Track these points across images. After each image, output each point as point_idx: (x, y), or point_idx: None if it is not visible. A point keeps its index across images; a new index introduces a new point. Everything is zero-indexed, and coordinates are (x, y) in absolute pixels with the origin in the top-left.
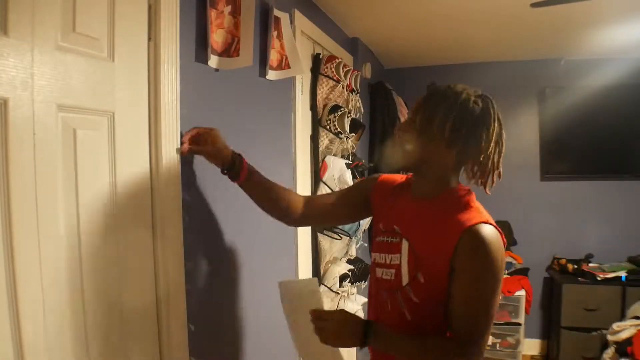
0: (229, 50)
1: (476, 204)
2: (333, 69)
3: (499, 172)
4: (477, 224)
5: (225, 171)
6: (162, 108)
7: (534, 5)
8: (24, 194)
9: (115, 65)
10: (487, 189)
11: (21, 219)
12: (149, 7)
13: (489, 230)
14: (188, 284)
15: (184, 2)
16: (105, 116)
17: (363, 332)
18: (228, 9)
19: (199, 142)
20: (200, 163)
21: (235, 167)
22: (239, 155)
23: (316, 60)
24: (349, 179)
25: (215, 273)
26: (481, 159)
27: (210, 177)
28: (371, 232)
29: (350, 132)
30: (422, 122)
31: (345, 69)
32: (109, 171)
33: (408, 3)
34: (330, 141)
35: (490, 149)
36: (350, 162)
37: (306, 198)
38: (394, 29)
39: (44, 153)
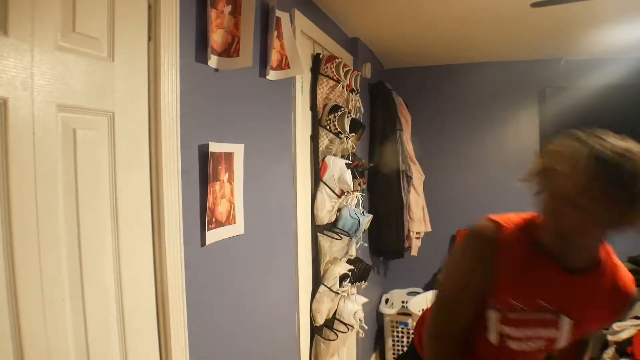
0: (229, 50)
1: (616, 259)
2: (333, 69)
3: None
4: (634, 287)
5: None
6: (162, 108)
7: (534, 5)
8: (23, 194)
9: (115, 65)
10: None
11: (21, 219)
12: (149, 7)
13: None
14: (188, 284)
15: (184, 2)
16: (105, 116)
17: None
18: (228, 8)
19: None
20: (199, 161)
21: None
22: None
23: (316, 60)
24: (349, 179)
25: (215, 272)
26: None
27: (209, 177)
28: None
29: (350, 132)
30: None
31: (345, 69)
32: (108, 171)
33: (408, 3)
34: (330, 141)
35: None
36: (350, 162)
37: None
38: (394, 29)
39: (43, 153)
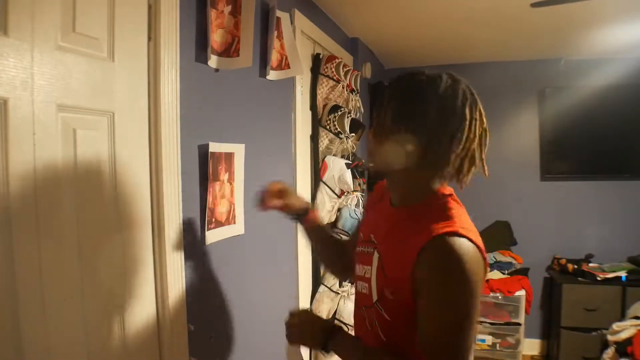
0: (229, 50)
1: (454, 210)
2: (333, 69)
3: (481, 163)
4: (444, 233)
5: (296, 216)
6: (162, 108)
7: (534, 5)
8: (23, 194)
9: (115, 65)
10: (461, 185)
11: (21, 219)
12: (149, 7)
13: (457, 242)
14: (188, 284)
15: (184, 2)
16: (105, 116)
17: (324, 335)
18: (228, 8)
19: (275, 197)
20: (199, 161)
21: (307, 212)
22: (311, 209)
23: (316, 60)
24: (349, 179)
25: (215, 272)
26: (459, 152)
27: (209, 177)
28: None
29: (350, 132)
30: (392, 122)
31: (345, 69)
32: (108, 171)
33: (408, 3)
34: (330, 141)
35: (466, 138)
36: (350, 162)
37: (347, 243)
38: (394, 29)
39: (44, 153)
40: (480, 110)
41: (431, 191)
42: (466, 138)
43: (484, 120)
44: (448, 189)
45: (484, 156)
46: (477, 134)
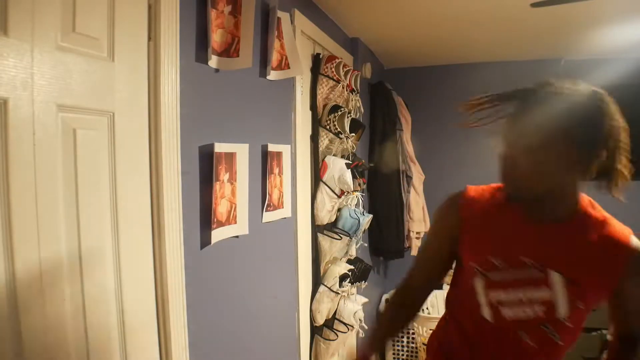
0: (229, 50)
1: (606, 214)
2: (333, 69)
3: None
4: (633, 244)
5: None
6: (162, 108)
7: (534, 5)
8: (23, 194)
9: (115, 65)
10: (619, 196)
11: (21, 219)
12: (149, 7)
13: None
14: (188, 284)
15: (184, 2)
16: (105, 116)
17: None
18: (228, 8)
19: None
20: (199, 161)
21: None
22: None
23: (316, 60)
24: (349, 179)
25: (215, 272)
26: (607, 160)
27: (210, 176)
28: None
29: (350, 132)
30: (548, 140)
31: (345, 69)
32: (108, 171)
33: (408, 3)
34: (330, 141)
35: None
36: (350, 162)
37: (417, 292)
38: (394, 29)
39: (44, 153)
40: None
41: (581, 201)
42: (618, 142)
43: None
44: (585, 197)
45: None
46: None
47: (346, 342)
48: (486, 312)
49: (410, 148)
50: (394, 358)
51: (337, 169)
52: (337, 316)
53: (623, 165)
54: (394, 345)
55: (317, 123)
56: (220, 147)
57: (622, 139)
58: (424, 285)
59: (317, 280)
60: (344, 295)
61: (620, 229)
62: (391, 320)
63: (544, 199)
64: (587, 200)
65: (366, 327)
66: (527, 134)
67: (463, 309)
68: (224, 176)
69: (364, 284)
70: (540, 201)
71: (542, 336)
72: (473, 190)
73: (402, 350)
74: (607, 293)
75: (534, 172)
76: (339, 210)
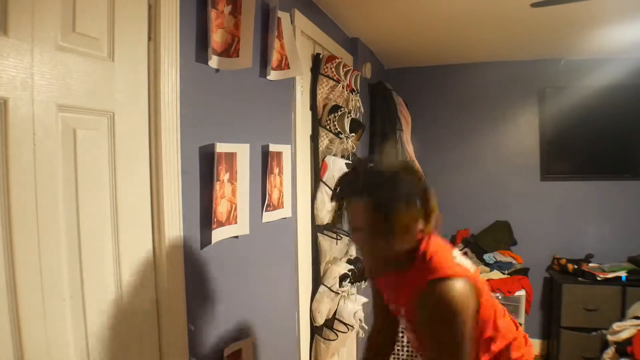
0: (229, 50)
1: (435, 258)
2: (333, 69)
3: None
4: (430, 281)
5: None
6: (162, 108)
7: (534, 5)
8: (24, 194)
9: (115, 65)
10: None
11: (21, 219)
12: (149, 7)
13: (435, 287)
14: (188, 284)
15: (184, 2)
16: (105, 116)
17: None
18: (228, 8)
19: None
20: (199, 161)
21: None
22: None
23: (316, 60)
24: None
25: (215, 272)
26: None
27: (210, 176)
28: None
29: (350, 132)
30: (375, 227)
31: (345, 69)
32: (108, 171)
33: (408, 3)
34: (330, 141)
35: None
36: (350, 162)
37: (378, 330)
38: (394, 29)
39: (44, 153)
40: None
41: (418, 254)
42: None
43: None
44: (423, 243)
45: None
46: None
47: (346, 342)
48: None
49: (410, 148)
50: (394, 358)
51: (337, 169)
52: (337, 316)
53: (426, 213)
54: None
55: (317, 123)
56: (221, 147)
57: (419, 195)
58: None
59: (317, 280)
60: (344, 295)
61: (431, 271)
62: None
63: (386, 262)
64: (428, 252)
65: (366, 327)
66: (354, 222)
67: None
68: (224, 176)
69: (364, 284)
70: (386, 265)
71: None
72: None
73: (402, 350)
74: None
75: (367, 250)
76: None
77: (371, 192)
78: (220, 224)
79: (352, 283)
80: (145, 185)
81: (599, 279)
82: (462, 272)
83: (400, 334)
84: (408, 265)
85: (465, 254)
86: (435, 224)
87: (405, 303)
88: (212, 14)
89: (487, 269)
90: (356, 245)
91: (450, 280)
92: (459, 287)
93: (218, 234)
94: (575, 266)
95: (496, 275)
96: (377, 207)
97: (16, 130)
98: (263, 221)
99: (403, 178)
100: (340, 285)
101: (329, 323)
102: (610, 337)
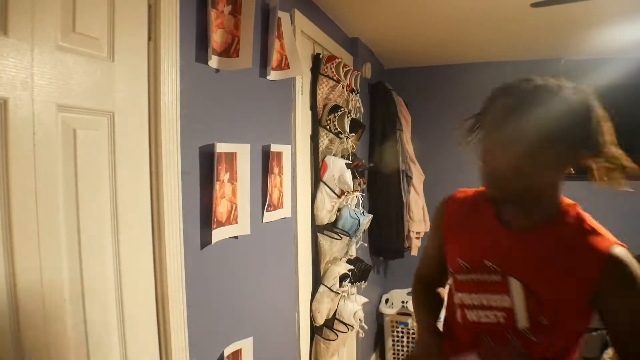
0: (229, 50)
1: (592, 222)
2: (333, 69)
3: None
4: (613, 251)
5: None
6: (162, 108)
7: (534, 5)
8: (24, 194)
9: (115, 65)
10: (620, 186)
11: (21, 219)
12: (149, 7)
13: (625, 254)
14: (188, 284)
15: (184, 2)
16: (105, 116)
17: None
18: (228, 8)
19: None
20: (199, 161)
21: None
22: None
23: (316, 60)
24: (349, 179)
25: (215, 272)
26: (597, 153)
27: (210, 176)
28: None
29: (350, 132)
30: (526, 138)
31: (345, 69)
32: (108, 171)
33: (408, 3)
34: (330, 141)
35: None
36: (350, 162)
37: (432, 281)
38: (394, 29)
39: (44, 153)
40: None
41: (561, 206)
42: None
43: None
44: (570, 202)
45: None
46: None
47: (346, 342)
48: (457, 313)
49: (410, 148)
50: (393, 358)
51: (337, 169)
52: (337, 316)
53: (614, 157)
54: (393, 344)
55: (317, 123)
56: (221, 147)
57: (607, 135)
58: (433, 281)
59: (317, 280)
60: (344, 295)
61: (601, 239)
62: (428, 302)
63: (522, 202)
64: (572, 209)
65: (366, 327)
66: (506, 130)
67: (448, 305)
68: (224, 176)
69: (364, 284)
70: (517, 204)
71: (506, 342)
72: (462, 192)
73: (402, 350)
74: (581, 309)
75: (512, 170)
76: (339, 210)
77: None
78: (220, 224)
79: (352, 283)
80: (145, 185)
81: None
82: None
83: (400, 334)
84: (546, 219)
85: None
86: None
87: (537, 271)
88: (212, 14)
89: None
90: (489, 163)
91: (627, 251)
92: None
93: (218, 234)
94: None
95: None
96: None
97: (16, 130)
98: (263, 221)
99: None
100: (340, 285)
101: (329, 323)
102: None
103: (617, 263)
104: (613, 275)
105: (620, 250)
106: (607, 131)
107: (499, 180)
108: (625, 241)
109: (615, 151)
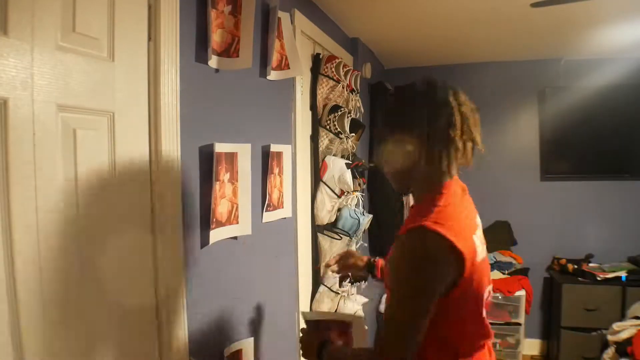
0: (229, 50)
1: (440, 205)
2: (333, 69)
3: (470, 145)
4: (413, 227)
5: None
6: (162, 108)
7: (534, 5)
8: (23, 194)
9: (115, 65)
10: (469, 164)
11: (21, 219)
12: (149, 7)
13: (415, 232)
14: (188, 284)
15: (184, 2)
16: (105, 116)
17: (318, 350)
18: (228, 8)
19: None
20: (199, 161)
21: (373, 269)
22: (374, 259)
23: (316, 60)
24: (349, 179)
25: (214, 272)
26: (459, 135)
27: (210, 176)
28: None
29: (350, 132)
30: (394, 129)
31: (345, 69)
32: (108, 171)
33: (408, 3)
34: (330, 141)
35: (460, 121)
36: (350, 162)
37: None
38: (394, 29)
39: (44, 153)
40: (462, 96)
41: (434, 187)
42: (461, 121)
43: (469, 103)
44: (458, 184)
45: (479, 136)
46: (468, 115)
47: None
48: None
49: None
50: None
51: (337, 169)
52: None
53: (465, 137)
54: None
55: (317, 123)
56: (220, 147)
57: (457, 119)
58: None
59: (317, 280)
60: (344, 295)
61: (423, 216)
62: None
63: (408, 182)
64: (441, 197)
65: (366, 327)
66: (380, 129)
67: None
68: (224, 176)
69: (364, 284)
70: (410, 185)
71: None
72: (439, 223)
73: None
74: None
75: (385, 163)
76: (339, 210)
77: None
78: (220, 224)
79: (352, 283)
80: (145, 184)
81: (599, 279)
82: (458, 230)
83: None
84: (420, 198)
85: None
86: (471, 153)
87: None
88: (212, 14)
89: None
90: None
91: (434, 232)
92: (439, 240)
93: (217, 234)
94: (575, 266)
95: (496, 275)
96: (389, 121)
97: (16, 130)
98: (263, 221)
99: (444, 93)
100: (340, 285)
101: None
102: (610, 337)
103: (401, 236)
104: (394, 248)
105: (413, 229)
106: (459, 124)
107: (388, 177)
108: (629, 238)
109: (467, 139)
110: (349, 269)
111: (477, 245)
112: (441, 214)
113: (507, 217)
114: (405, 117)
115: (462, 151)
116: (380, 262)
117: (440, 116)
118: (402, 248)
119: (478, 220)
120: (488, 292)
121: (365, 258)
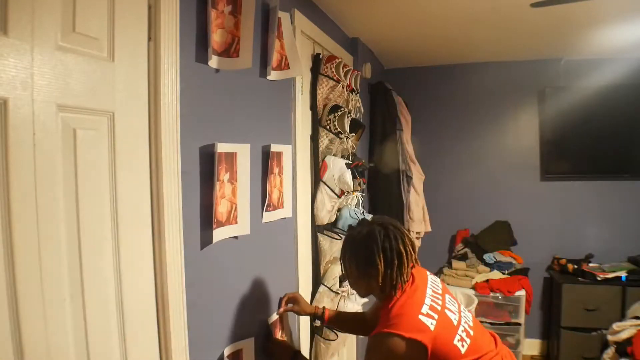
0: (229, 50)
1: (395, 311)
2: (333, 69)
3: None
4: (374, 335)
5: (315, 319)
6: (162, 108)
7: (534, 5)
8: (23, 195)
9: (115, 65)
10: (398, 291)
11: (21, 219)
12: (149, 7)
13: (379, 337)
14: (188, 284)
15: (184, 2)
16: (105, 116)
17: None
18: (228, 8)
19: (291, 302)
20: (199, 161)
21: (321, 317)
22: (322, 308)
23: (316, 60)
24: (349, 179)
25: (215, 272)
26: (380, 276)
27: (210, 175)
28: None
29: (350, 132)
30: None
31: (345, 69)
32: (108, 171)
33: (408, 3)
34: (330, 141)
35: (380, 264)
36: (350, 162)
37: (368, 314)
38: (394, 29)
39: (44, 153)
40: (394, 238)
41: (387, 297)
42: (385, 265)
43: (399, 244)
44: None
45: (407, 270)
46: (394, 257)
47: (346, 342)
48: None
49: (410, 148)
50: None
51: (337, 169)
52: None
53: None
54: None
55: (317, 123)
56: (221, 147)
57: (395, 256)
58: None
59: (317, 280)
60: (344, 295)
61: (382, 324)
62: None
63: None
64: (395, 306)
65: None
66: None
67: None
68: (225, 176)
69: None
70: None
71: None
72: (403, 329)
73: None
74: None
75: (352, 285)
76: (339, 210)
77: (344, 245)
78: (221, 224)
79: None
80: (145, 185)
81: (599, 279)
82: (414, 329)
83: None
84: (380, 311)
85: (465, 254)
86: (401, 283)
87: None
88: (212, 14)
89: (487, 269)
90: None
91: (391, 337)
92: (396, 344)
93: (218, 234)
94: (575, 266)
95: (496, 275)
96: (343, 257)
97: (16, 130)
98: (263, 221)
99: (373, 237)
100: (340, 285)
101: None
102: (610, 337)
103: (368, 343)
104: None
105: (377, 337)
106: (387, 257)
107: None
108: (629, 238)
109: (396, 269)
110: (294, 309)
111: (429, 317)
112: (395, 317)
113: (507, 217)
114: (358, 258)
115: (401, 276)
116: (328, 312)
117: (376, 257)
118: (370, 352)
119: (432, 286)
120: (463, 328)
121: (309, 309)
